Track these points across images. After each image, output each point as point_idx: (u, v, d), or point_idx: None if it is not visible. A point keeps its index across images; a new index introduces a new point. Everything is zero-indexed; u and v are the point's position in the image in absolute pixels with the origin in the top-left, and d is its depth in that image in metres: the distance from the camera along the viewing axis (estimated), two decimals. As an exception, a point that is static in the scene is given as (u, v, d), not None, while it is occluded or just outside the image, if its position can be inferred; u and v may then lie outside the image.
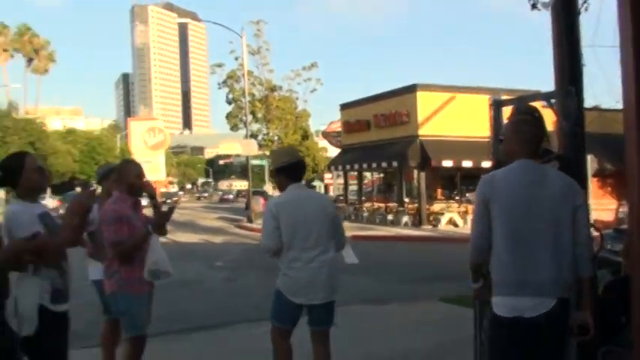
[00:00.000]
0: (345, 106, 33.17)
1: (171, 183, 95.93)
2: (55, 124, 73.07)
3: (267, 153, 33.15)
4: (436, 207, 26.86)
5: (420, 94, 26.33)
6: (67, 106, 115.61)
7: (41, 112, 72.44)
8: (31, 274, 3.34)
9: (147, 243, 4.35)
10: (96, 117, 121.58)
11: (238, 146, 45.45)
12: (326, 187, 70.67)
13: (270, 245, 4.33)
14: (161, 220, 4.55)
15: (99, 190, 5.19)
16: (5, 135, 48.64)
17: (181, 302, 9.32)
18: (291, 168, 4.48)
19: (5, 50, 63.95)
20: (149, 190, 4.74)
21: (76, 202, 3.33)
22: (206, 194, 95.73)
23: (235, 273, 12.96)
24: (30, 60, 66.26)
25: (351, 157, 30.96)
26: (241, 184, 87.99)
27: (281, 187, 4.53)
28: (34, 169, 3.57)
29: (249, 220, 29.72)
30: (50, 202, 34.91)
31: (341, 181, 35.97)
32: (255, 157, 34.37)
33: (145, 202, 4.84)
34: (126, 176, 4.56)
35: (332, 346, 4.43)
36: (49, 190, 46.25)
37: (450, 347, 4.31)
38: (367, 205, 31.25)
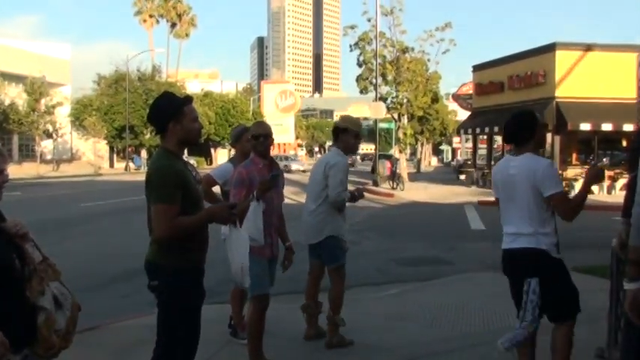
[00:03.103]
0: (477, 68, 32.26)
1: (299, 146, 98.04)
2: (193, 87, 76.66)
3: (395, 116, 32.81)
4: (570, 172, 25.54)
5: (559, 53, 25.09)
6: (205, 70, 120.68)
7: (181, 76, 76.19)
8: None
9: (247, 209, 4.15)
10: (231, 80, 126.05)
11: (367, 109, 45.55)
12: (454, 151, 69.20)
13: None
14: (263, 187, 4.29)
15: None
16: (149, 98, 51.99)
17: (303, 264, 9.41)
18: None
19: (151, 16, 67.84)
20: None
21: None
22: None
23: (358, 236, 12.87)
24: (173, 25, 69.82)
25: (482, 121, 30.06)
26: (368, 148, 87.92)
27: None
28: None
29: (375, 184, 29.75)
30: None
31: (470, 145, 35.05)
32: (383, 120, 34.23)
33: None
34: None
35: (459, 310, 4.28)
36: (186, 151, 48.92)
37: (581, 319, 4.05)
38: (496, 170, 30.36)
